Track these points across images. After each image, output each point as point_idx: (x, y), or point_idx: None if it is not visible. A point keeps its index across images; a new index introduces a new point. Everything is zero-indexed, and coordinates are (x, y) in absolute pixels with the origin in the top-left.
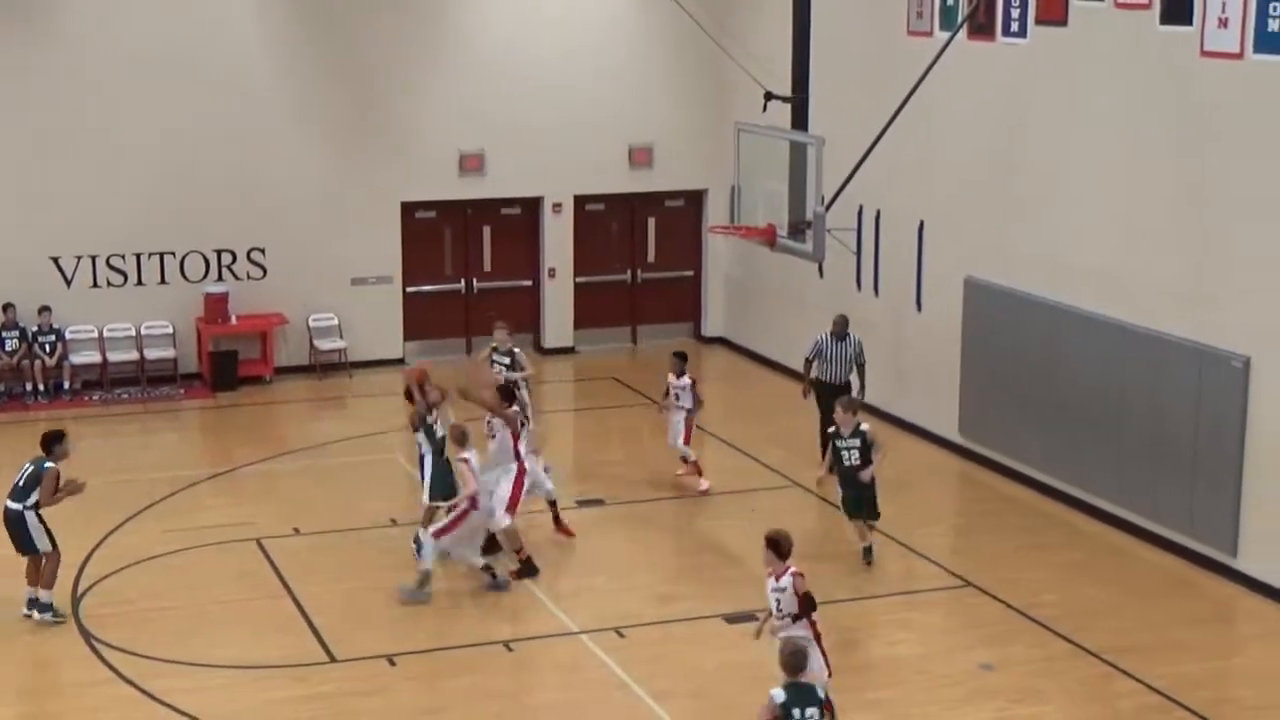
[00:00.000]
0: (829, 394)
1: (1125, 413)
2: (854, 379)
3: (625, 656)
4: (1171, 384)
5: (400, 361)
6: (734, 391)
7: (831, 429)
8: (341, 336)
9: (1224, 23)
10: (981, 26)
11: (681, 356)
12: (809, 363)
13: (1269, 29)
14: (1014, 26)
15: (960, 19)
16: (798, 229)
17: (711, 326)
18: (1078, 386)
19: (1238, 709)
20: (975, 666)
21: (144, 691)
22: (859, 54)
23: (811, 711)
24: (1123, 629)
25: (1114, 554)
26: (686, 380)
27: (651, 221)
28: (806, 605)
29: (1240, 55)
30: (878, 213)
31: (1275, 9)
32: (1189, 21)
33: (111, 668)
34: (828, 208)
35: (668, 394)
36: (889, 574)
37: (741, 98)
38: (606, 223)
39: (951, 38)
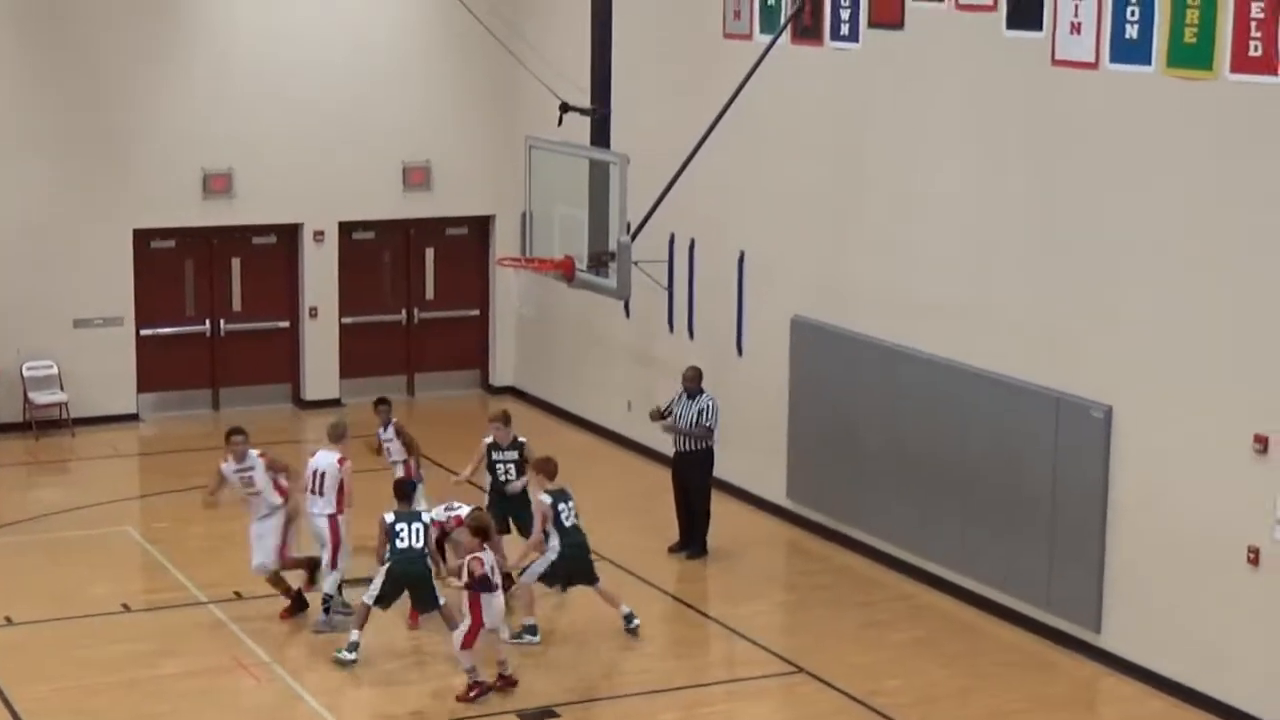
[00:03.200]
0: (681, 464)
1: (974, 471)
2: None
3: None
4: (1025, 437)
5: (134, 418)
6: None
7: (489, 439)
8: (62, 388)
9: (1077, 28)
10: (807, 29)
11: (384, 403)
12: (662, 420)
13: (1126, 35)
14: (844, 29)
15: (783, 20)
16: (599, 261)
17: (500, 374)
18: (921, 441)
19: None
20: None
21: None
22: (669, 60)
23: None
24: (973, 718)
25: (962, 631)
26: (392, 432)
27: (430, 252)
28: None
29: (1095, 65)
30: (692, 242)
31: (1133, 13)
32: (1039, 27)
33: None
34: (633, 237)
35: (379, 450)
36: (709, 659)
37: (534, 110)
38: (378, 254)
39: (773, 41)
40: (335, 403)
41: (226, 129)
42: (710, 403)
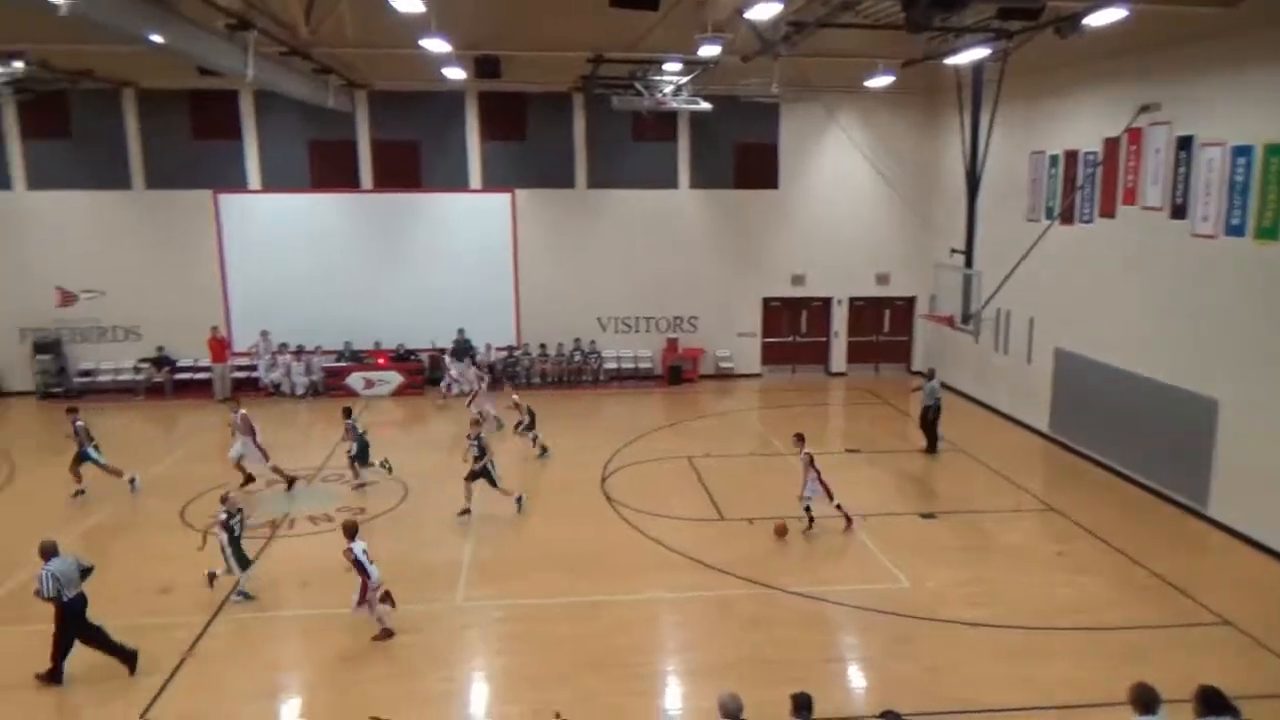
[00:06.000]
0: (925, 410)
1: (1142, 422)
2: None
3: None
4: (1174, 409)
5: (758, 375)
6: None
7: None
8: (730, 360)
9: (1205, 218)
10: (1067, 217)
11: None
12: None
13: (1233, 221)
14: (1085, 217)
15: (1056, 213)
16: (966, 319)
17: (916, 364)
18: (1115, 406)
19: (1197, 584)
20: (1053, 553)
21: None
22: (1000, 227)
23: None
24: (1135, 539)
25: (1138, 502)
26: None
27: (887, 312)
28: None
29: (1214, 236)
30: (1009, 312)
31: (1235, 212)
32: (1185, 217)
33: None
34: (982, 308)
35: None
36: (1007, 500)
37: (936, 249)
38: (864, 311)
39: (1051, 224)
40: (843, 374)
41: (803, 253)
42: (937, 383)
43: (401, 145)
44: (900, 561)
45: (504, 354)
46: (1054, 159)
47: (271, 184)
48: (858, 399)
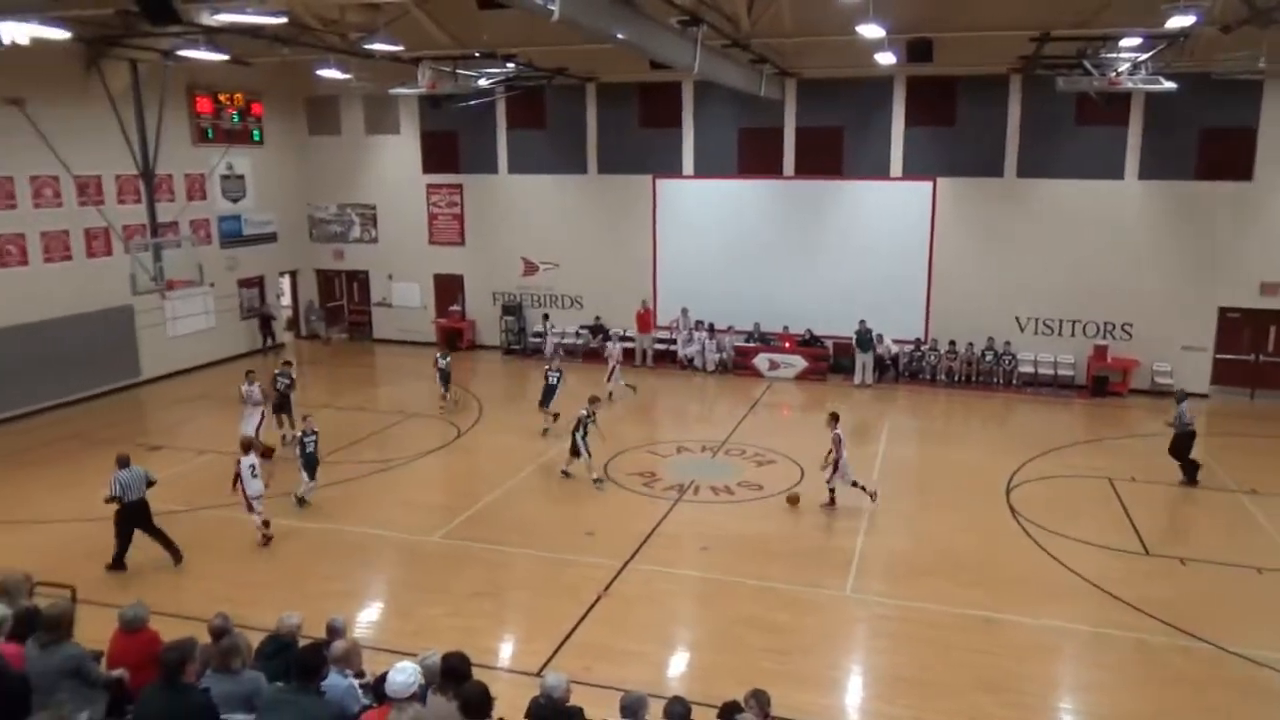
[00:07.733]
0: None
1: None
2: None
3: None
4: None
5: (1205, 396)
6: None
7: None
8: (1170, 376)
9: None
10: None
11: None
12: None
13: None
14: None
15: None
16: None
17: None
18: None
19: None
20: None
21: None
22: None
23: None
24: None
25: None
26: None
27: None
28: None
29: None
30: None
31: None
32: None
33: None
34: None
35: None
36: None
37: None
38: None
39: None
40: None
41: (1277, 258)
42: (1185, 407)
43: (825, 132)
44: None
45: (910, 348)
46: None
47: (703, 170)
48: None
